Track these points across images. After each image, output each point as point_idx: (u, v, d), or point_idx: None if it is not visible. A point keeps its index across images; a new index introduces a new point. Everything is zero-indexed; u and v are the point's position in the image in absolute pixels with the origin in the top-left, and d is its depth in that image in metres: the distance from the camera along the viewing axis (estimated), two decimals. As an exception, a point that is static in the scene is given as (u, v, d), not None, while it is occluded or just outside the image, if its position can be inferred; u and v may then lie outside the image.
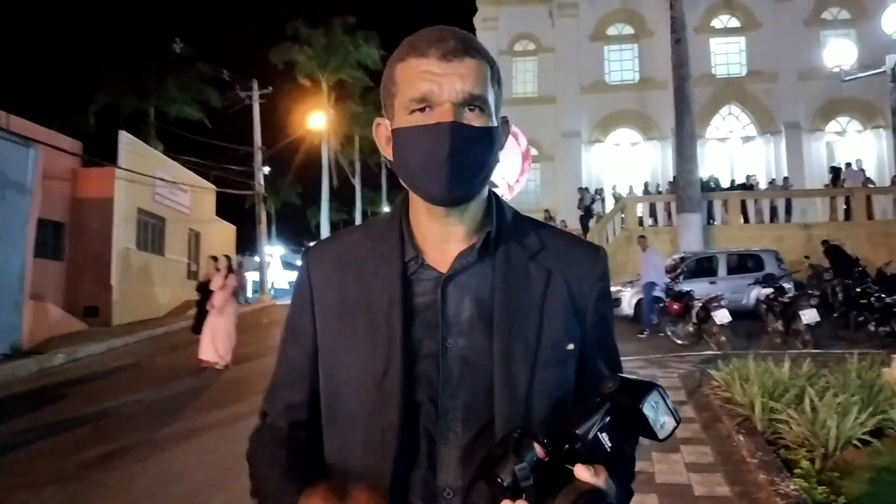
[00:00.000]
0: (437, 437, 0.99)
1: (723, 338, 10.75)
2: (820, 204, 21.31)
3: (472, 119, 0.98)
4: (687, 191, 19.47)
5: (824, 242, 16.19)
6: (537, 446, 0.89)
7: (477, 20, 30.56)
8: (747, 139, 28.30)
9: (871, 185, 21.56)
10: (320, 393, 1.08)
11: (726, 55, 28.53)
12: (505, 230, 1.07)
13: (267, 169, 29.46)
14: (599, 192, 24.81)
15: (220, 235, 26.80)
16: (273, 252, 42.00)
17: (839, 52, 7.65)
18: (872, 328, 11.11)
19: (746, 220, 20.69)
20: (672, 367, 8.95)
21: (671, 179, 22.56)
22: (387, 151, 1.06)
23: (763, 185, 24.52)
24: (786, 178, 23.95)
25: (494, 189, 1.13)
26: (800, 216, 20.72)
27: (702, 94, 24.25)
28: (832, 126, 27.61)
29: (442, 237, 1.05)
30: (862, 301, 11.53)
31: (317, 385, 1.09)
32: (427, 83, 0.97)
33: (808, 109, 26.74)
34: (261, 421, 1.17)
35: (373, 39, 37.23)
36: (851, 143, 27.13)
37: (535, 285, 1.04)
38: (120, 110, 28.07)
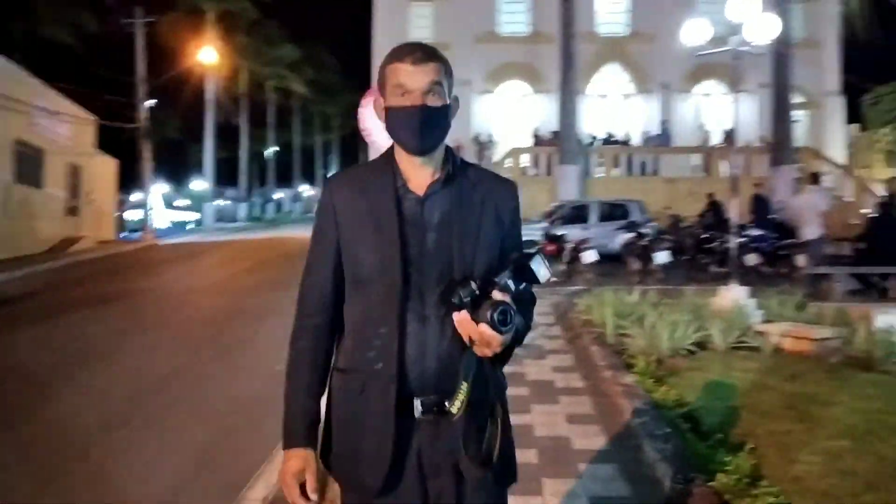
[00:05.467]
0: (424, 289, 1.60)
1: (589, 275, 12.19)
2: (682, 160, 23.37)
3: (434, 100, 1.61)
4: (567, 144, 20.82)
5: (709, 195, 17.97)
6: (472, 283, 1.52)
7: (375, -39, 30.31)
8: (626, 96, 30.12)
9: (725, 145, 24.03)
10: (345, 272, 1.67)
11: (610, 14, 29.97)
12: (456, 170, 1.70)
13: (152, 101, 28.24)
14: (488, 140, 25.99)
15: (102, 170, 25.64)
16: (154, 190, 40.24)
17: (695, 31, 8.72)
18: (715, 268, 12.85)
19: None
20: (545, 298, 10.14)
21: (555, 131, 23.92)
22: (381, 118, 1.75)
23: (636, 141, 26.44)
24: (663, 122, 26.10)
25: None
26: (664, 171, 22.70)
27: (586, 51, 25.49)
28: (699, 88, 29.88)
29: (418, 173, 1.67)
30: (706, 246, 13.29)
31: (339, 268, 1.67)
32: (404, 76, 1.60)
33: (680, 72, 28.73)
34: (297, 322, 1.71)
35: (262, -29, 36.02)
36: (718, 105, 29.46)
37: (475, 205, 1.67)
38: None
